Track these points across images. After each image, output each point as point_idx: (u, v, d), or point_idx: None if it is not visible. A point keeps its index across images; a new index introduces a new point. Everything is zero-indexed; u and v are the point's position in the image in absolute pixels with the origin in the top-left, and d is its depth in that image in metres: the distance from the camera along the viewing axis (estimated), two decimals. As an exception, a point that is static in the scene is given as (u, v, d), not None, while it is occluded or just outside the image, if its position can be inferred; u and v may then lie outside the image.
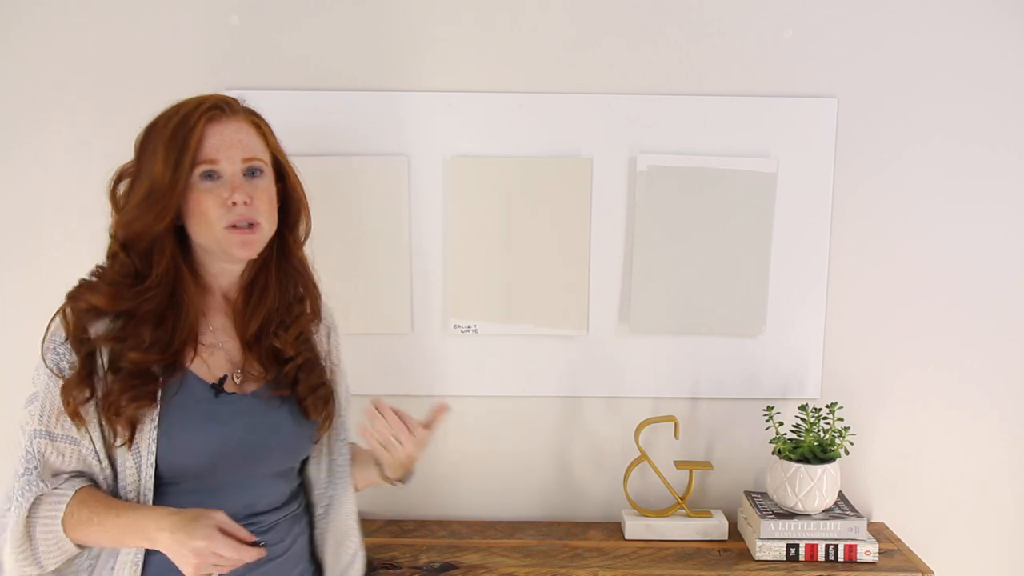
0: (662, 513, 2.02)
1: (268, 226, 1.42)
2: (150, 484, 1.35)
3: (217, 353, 1.45)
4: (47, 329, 1.37)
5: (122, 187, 1.41)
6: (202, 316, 1.44)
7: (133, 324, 1.35)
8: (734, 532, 2.02)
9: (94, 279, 1.39)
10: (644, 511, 2.03)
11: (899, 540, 2.01)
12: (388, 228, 2.02)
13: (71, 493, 1.32)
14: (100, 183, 1.42)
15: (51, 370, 1.33)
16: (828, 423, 1.97)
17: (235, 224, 1.37)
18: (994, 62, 1.99)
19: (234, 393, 1.43)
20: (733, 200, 2.01)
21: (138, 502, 1.35)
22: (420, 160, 2.01)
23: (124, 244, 1.38)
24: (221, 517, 1.27)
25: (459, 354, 2.06)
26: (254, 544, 1.28)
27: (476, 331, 2.05)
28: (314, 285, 1.56)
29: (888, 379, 2.09)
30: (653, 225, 2.02)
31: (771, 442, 1.98)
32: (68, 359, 1.33)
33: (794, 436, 1.99)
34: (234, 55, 1.98)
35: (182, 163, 1.34)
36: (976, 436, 2.11)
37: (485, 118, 2.00)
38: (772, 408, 2.00)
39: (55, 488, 1.33)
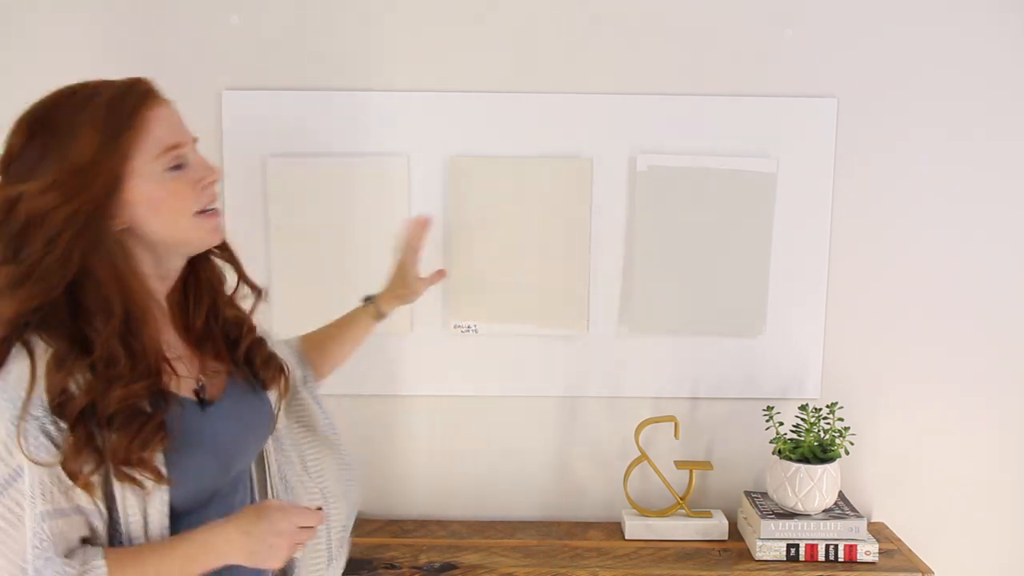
0: (662, 513, 2.02)
1: None
2: (167, 522, 1.24)
3: (180, 365, 1.31)
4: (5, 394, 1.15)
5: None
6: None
7: (104, 363, 1.18)
8: (734, 532, 2.02)
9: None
10: (644, 511, 2.03)
11: (899, 540, 2.01)
12: (388, 228, 2.01)
13: (103, 563, 1.17)
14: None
15: (35, 440, 1.15)
16: (828, 423, 1.97)
17: (204, 209, 1.28)
18: (995, 62, 1.99)
19: (215, 400, 1.34)
20: (733, 200, 2.01)
21: (149, 540, 1.24)
22: (420, 160, 2.01)
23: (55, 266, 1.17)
24: (275, 502, 1.30)
25: (459, 354, 2.06)
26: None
27: (476, 331, 2.05)
28: (235, 254, 1.44)
29: (888, 379, 2.09)
30: (653, 225, 2.02)
31: (771, 442, 1.98)
32: (51, 422, 1.15)
33: (794, 436, 1.99)
34: (234, 55, 1.98)
35: (128, 146, 1.21)
36: (976, 436, 2.11)
37: (485, 118, 2.00)
38: (772, 408, 2.00)
39: (84, 569, 1.16)
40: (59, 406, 1.15)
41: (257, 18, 1.97)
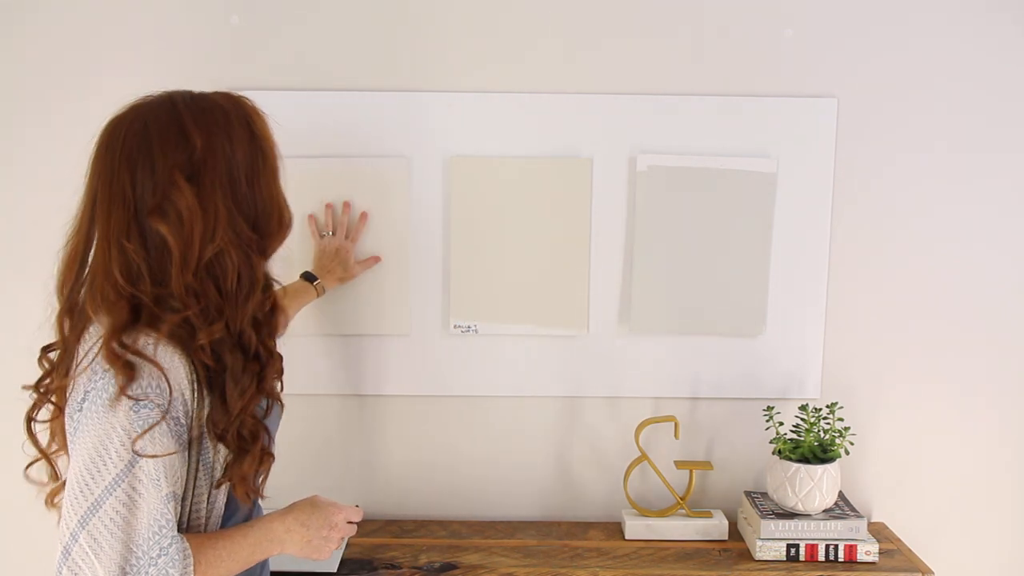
0: (662, 513, 2.02)
1: None
2: (222, 513, 1.30)
3: None
4: (159, 380, 1.17)
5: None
6: None
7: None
8: (734, 532, 2.02)
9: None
10: (644, 511, 2.03)
11: (899, 540, 2.01)
12: (388, 228, 2.02)
13: (188, 546, 1.20)
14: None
15: (160, 429, 1.17)
16: (828, 423, 1.97)
17: None
18: (994, 61, 1.99)
19: None
20: (733, 200, 2.01)
21: (207, 530, 1.29)
22: (420, 160, 2.01)
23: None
24: (324, 498, 1.37)
25: (459, 354, 2.06)
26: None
27: (476, 331, 2.05)
28: None
29: (888, 379, 2.09)
30: (653, 225, 2.02)
31: (771, 442, 1.98)
32: (173, 420, 1.19)
33: (794, 436, 1.99)
34: (234, 55, 1.98)
35: None
36: (976, 436, 2.10)
37: (485, 118, 2.00)
38: (772, 408, 2.00)
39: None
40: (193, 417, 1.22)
41: (257, 18, 1.97)
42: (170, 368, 1.18)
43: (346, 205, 1.98)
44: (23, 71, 1.98)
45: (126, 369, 1.15)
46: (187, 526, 1.25)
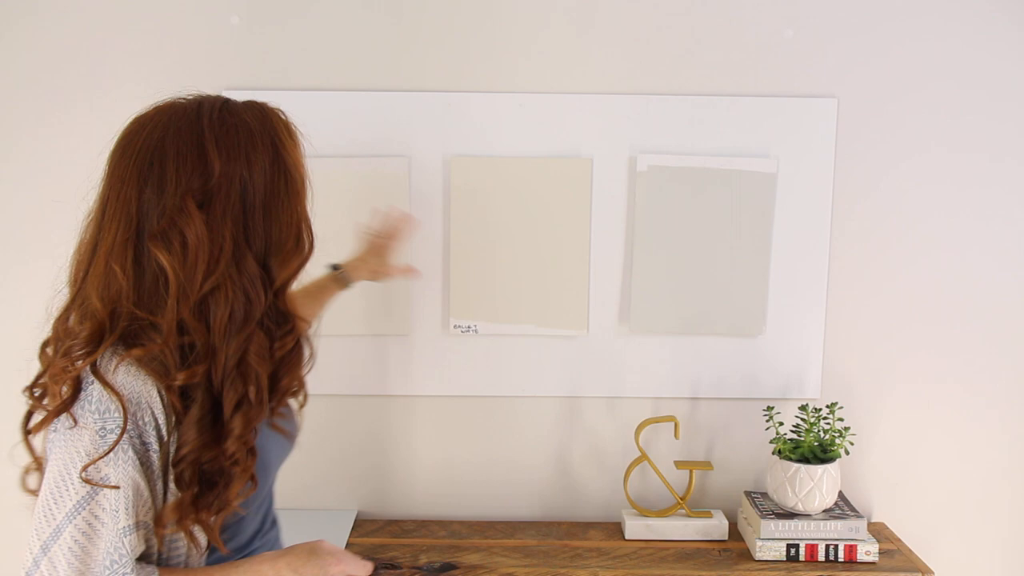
0: (662, 513, 2.02)
1: None
2: (205, 542, 1.21)
3: None
4: (119, 407, 1.10)
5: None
6: None
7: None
8: (734, 532, 2.02)
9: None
10: (644, 511, 2.03)
11: (899, 540, 2.01)
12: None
13: None
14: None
15: (124, 456, 1.10)
16: (828, 423, 1.97)
17: None
18: (994, 62, 1.99)
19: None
20: (733, 200, 2.01)
21: (188, 562, 1.21)
22: (420, 160, 2.01)
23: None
24: (327, 544, 1.26)
25: (459, 354, 2.07)
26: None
27: (476, 331, 2.05)
28: None
29: (888, 379, 2.09)
30: (653, 225, 2.02)
31: (771, 442, 1.98)
32: (141, 444, 1.12)
33: (794, 436, 1.99)
34: (234, 55, 1.98)
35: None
36: (976, 436, 2.11)
37: (485, 118, 2.00)
38: (772, 408, 2.00)
39: None
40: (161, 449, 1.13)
41: (257, 18, 1.97)
42: (130, 390, 1.10)
43: (393, 209, 1.91)
44: (23, 71, 1.98)
45: (73, 388, 1.10)
46: (167, 559, 1.17)
